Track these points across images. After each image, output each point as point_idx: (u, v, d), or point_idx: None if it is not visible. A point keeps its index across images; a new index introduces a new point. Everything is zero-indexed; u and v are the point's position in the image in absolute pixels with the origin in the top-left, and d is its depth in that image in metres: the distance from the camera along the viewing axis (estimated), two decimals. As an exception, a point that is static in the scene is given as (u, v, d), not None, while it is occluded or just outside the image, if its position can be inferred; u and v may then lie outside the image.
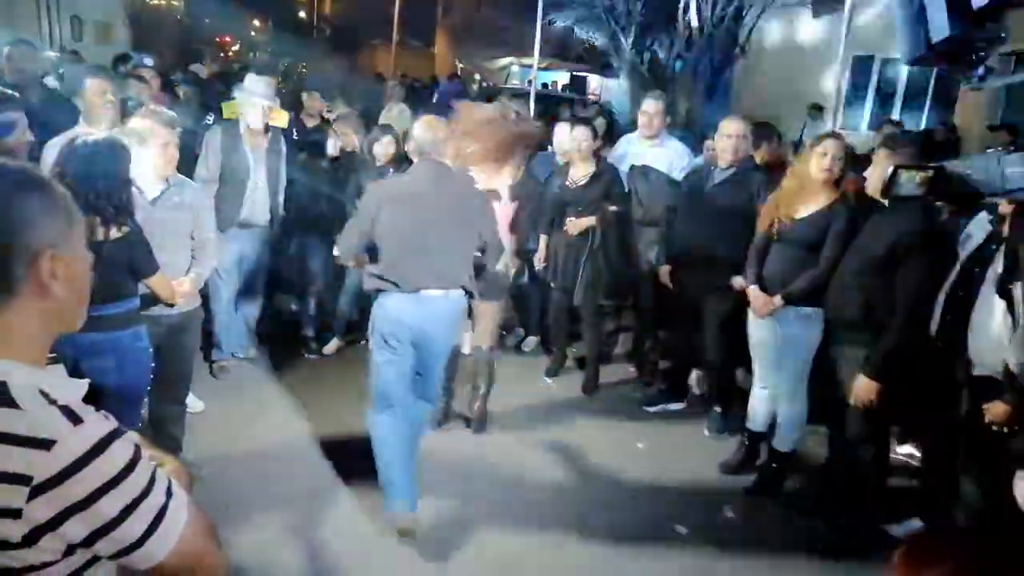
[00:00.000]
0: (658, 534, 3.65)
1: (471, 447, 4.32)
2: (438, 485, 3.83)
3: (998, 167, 1.66)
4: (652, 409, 4.93)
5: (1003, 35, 1.70)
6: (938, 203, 3.26)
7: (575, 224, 4.88)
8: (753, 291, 3.91)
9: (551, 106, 10.83)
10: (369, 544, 3.37)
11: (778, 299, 3.78)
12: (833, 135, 3.90)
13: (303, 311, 5.52)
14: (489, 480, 3.97)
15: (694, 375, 5.07)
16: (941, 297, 3.24)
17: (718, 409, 4.67)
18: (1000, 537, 1.20)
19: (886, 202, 3.31)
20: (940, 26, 1.68)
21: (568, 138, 5.07)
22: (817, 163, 3.68)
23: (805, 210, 3.73)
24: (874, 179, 3.37)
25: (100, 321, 2.80)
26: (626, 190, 5.03)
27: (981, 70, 1.69)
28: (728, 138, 4.31)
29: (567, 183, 4.98)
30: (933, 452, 3.60)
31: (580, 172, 4.95)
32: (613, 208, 4.91)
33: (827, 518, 3.70)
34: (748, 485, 4.06)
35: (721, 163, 4.36)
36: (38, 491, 1.01)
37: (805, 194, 3.74)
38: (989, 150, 1.74)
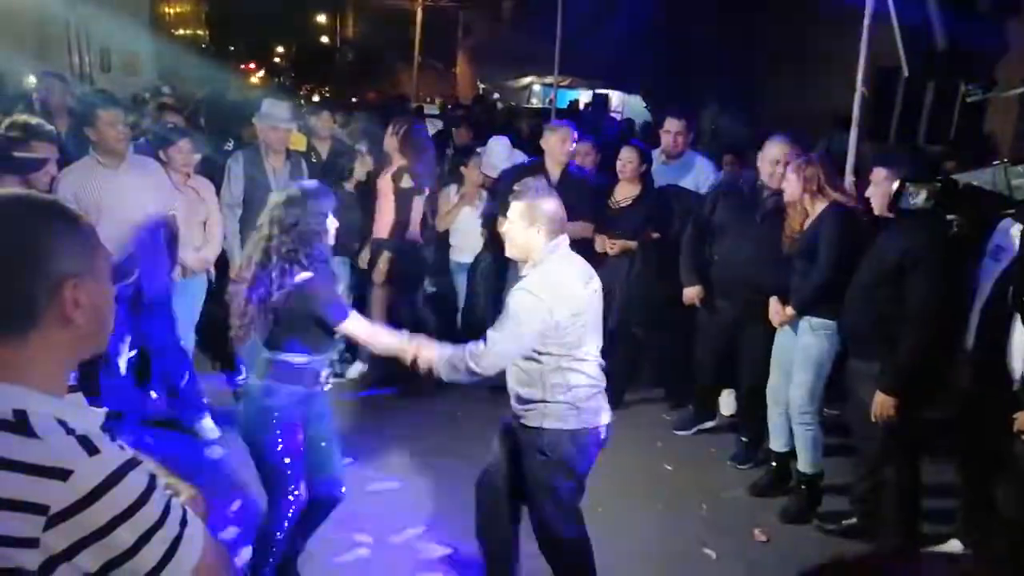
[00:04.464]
0: (688, 557, 3.58)
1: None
2: (462, 504, 3.79)
3: (1004, 178, 1.61)
4: (683, 433, 4.82)
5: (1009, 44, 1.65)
6: (948, 216, 3.22)
7: (616, 244, 4.73)
8: (772, 300, 3.95)
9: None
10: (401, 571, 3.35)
11: (790, 309, 3.83)
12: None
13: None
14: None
15: (724, 396, 4.98)
16: (976, 313, 3.18)
17: (744, 439, 4.53)
18: (924, 562, 1.17)
19: (893, 216, 3.30)
20: (943, 36, 1.64)
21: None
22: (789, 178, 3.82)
23: (806, 223, 3.80)
24: (876, 197, 3.37)
25: None
26: (671, 215, 4.81)
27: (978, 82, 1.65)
28: (776, 164, 4.05)
29: (608, 203, 4.90)
30: (970, 471, 3.50)
31: (623, 193, 4.86)
32: (656, 235, 4.79)
33: (862, 541, 3.61)
34: (779, 507, 3.97)
35: (771, 184, 4.11)
36: (54, 520, 1.02)
37: (801, 208, 3.81)
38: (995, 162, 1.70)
